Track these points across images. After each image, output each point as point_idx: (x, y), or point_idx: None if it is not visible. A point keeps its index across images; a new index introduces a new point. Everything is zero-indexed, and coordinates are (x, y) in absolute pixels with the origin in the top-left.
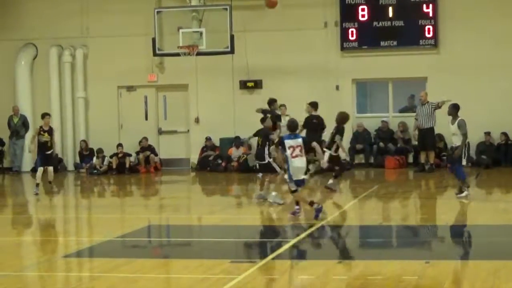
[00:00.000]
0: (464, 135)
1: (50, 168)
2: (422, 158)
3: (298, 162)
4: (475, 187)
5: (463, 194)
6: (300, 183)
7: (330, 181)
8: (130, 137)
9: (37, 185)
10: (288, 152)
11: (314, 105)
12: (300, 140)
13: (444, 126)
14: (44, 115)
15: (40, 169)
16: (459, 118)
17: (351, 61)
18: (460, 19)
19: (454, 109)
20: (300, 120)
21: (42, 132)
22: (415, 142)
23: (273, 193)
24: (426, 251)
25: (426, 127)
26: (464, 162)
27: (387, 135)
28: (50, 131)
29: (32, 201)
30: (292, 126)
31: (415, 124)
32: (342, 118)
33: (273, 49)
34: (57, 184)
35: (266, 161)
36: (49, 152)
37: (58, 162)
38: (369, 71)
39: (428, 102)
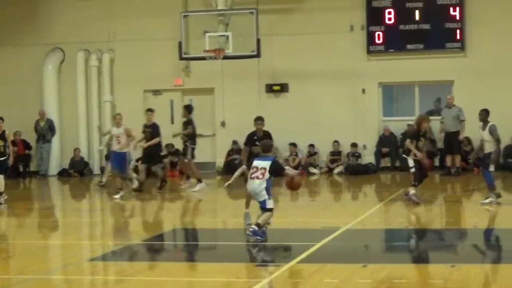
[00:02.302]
0: (498, 140)
1: (0, 177)
2: (448, 161)
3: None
4: (501, 190)
5: (487, 201)
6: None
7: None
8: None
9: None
10: (251, 171)
11: (188, 109)
12: (267, 164)
13: (472, 129)
14: None
15: None
16: (490, 123)
17: (377, 65)
18: (487, 22)
19: (485, 114)
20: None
21: None
22: (441, 146)
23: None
24: (452, 255)
25: (452, 130)
26: (492, 168)
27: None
28: (3, 136)
29: (58, 205)
30: (266, 147)
31: (441, 127)
32: (419, 121)
33: (299, 52)
34: (83, 187)
35: None
36: (2, 158)
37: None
38: (396, 74)
39: (454, 105)
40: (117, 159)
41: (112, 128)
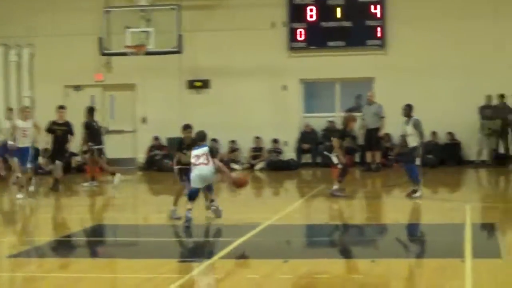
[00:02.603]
0: (421, 134)
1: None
2: (369, 157)
3: (199, 170)
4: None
5: (417, 195)
6: (194, 191)
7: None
8: (77, 136)
9: None
10: (193, 160)
11: (89, 111)
12: (206, 149)
13: (393, 125)
14: None
15: None
16: (414, 118)
17: (298, 61)
18: (408, 20)
19: (409, 109)
20: None
21: None
22: (362, 142)
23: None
24: (372, 250)
25: (372, 127)
26: (418, 162)
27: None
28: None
29: None
30: (200, 137)
31: (362, 124)
32: (346, 120)
33: (221, 49)
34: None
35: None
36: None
37: None
38: (317, 71)
39: (375, 102)
40: (22, 154)
41: (18, 121)
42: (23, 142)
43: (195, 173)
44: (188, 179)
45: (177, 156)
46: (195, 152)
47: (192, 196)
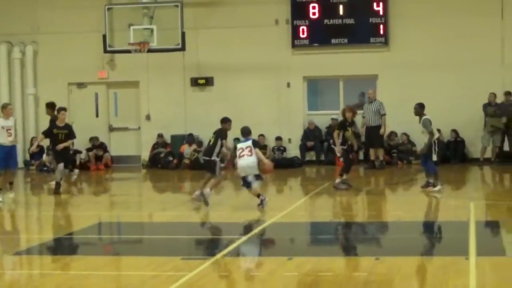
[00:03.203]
0: (430, 133)
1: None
2: (372, 155)
3: (242, 162)
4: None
5: (436, 189)
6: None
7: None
8: (81, 134)
9: None
10: (238, 152)
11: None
12: (250, 142)
13: (396, 122)
14: None
15: None
16: (424, 117)
17: (302, 59)
18: (411, 17)
19: (419, 108)
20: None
21: None
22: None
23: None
24: (376, 248)
25: (373, 124)
26: (434, 158)
27: None
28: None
29: None
30: (246, 131)
31: (363, 122)
32: (343, 111)
33: (224, 46)
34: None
35: (213, 158)
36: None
37: None
38: (320, 68)
39: (375, 100)
40: (8, 153)
41: None
42: (10, 141)
43: (240, 163)
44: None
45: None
46: (240, 145)
47: (245, 185)
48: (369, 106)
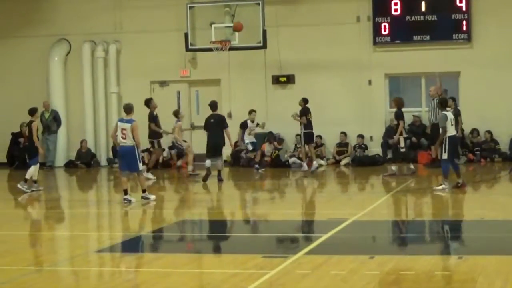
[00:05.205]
0: (443, 128)
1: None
2: (433, 152)
3: None
4: (508, 181)
5: (440, 188)
6: None
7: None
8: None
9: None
10: None
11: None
12: None
13: (480, 121)
14: None
15: None
16: (442, 112)
17: (383, 56)
18: (493, 13)
19: (440, 105)
20: None
21: None
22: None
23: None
24: (459, 246)
25: (436, 121)
26: (445, 156)
27: (420, 130)
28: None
29: (65, 196)
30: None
31: (428, 117)
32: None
33: (305, 44)
34: (90, 179)
35: None
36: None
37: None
38: (402, 65)
39: (437, 96)
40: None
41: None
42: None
43: None
44: None
45: None
46: None
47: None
48: (431, 103)
